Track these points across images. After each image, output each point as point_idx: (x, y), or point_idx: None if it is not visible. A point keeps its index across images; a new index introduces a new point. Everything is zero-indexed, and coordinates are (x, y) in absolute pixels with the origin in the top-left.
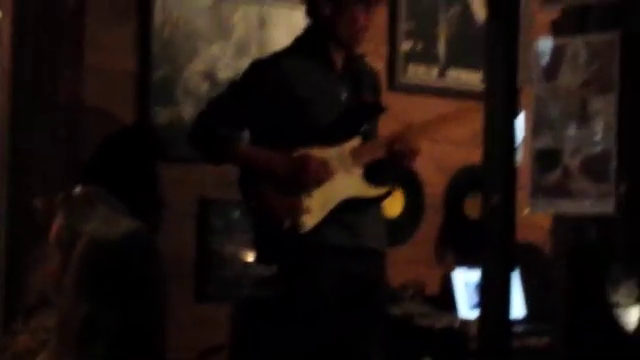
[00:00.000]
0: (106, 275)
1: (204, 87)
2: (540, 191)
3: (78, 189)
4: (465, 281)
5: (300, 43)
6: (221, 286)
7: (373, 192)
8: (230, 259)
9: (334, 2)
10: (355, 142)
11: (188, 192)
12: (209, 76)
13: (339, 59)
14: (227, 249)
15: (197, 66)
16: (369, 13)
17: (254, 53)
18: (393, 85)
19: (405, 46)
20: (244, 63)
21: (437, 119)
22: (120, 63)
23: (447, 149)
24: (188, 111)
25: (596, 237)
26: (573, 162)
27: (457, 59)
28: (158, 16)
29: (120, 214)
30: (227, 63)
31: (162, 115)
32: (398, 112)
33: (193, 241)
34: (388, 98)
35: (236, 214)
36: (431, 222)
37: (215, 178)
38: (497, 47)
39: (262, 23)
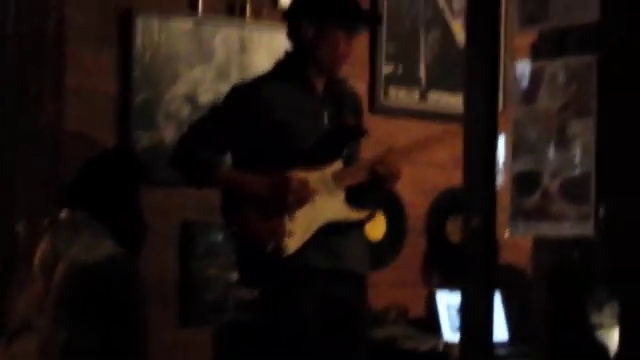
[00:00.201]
0: (86, 299)
1: (185, 111)
2: (519, 214)
3: (63, 214)
4: (448, 303)
5: (281, 67)
6: (204, 310)
7: (355, 215)
8: (213, 282)
9: (316, 26)
10: (337, 165)
11: (170, 216)
12: (190, 100)
13: (320, 83)
14: (210, 272)
15: (178, 89)
16: (351, 39)
17: (235, 77)
18: (374, 108)
19: (386, 69)
20: (225, 87)
21: (419, 142)
22: (101, 87)
23: (429, 172)
24: (169, 134)
25: (576, 259)
26: (552, 185)
27: (438, 82)
28: (139, 40)
29: (102, 238)
30: (208, 87)
31: (143, 139)
32: (379, 135)
33: (176, 265)
34: (369, 121)
35: (219, 237)
36: (413, 245)
37: (197, 201)
38: (476, 71)
39: (243, 47)
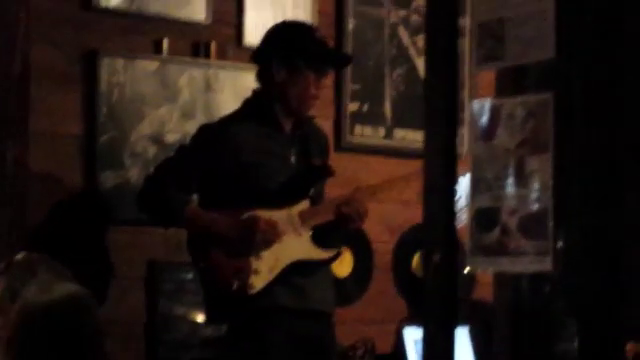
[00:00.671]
0: (38, 339)
1: (151, 150)
2: (479, 250)
3: (19, 256)
4: (416, 339)
5: (249, 106)
6: (171, 348)
7: (322, 255)
8: (180, 321)
9: (287, 69)
10: (304, 205)
11: (137, 255)
12: (156, 139)
13: (288, 122)
14: (177, 311)
15: (144, 130)
16: (320, 80)
17: (200, 116)
18: (340, 146)
19: (351, 107)
20: (191, 126)
21: (385, 182)
22: (66, 128)
23: (395, 209)
24: (135, 174)
25: (535, 294)
26: (511, 221)
27: (403, 119)
28: (104, 80)
29: (61, 279)
30: (174, 126)
31: (109, 179)
32: (345, 172)
33: (143, 304)
34: (335, 159)
35: (185, 276)
36: (380, 281)
37: (163, 241)
38: (435, 108)
39: (208, 86)
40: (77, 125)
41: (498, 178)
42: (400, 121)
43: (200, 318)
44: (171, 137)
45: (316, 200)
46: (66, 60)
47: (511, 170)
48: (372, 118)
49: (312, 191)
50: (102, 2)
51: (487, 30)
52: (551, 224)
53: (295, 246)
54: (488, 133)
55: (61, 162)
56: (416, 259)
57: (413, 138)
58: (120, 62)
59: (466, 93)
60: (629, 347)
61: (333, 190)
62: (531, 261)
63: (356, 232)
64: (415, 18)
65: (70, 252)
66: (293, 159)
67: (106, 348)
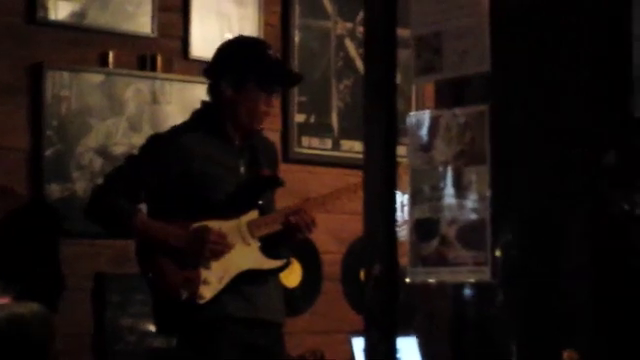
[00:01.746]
0: None
1: (98, 163)
2: (419, 260)
3: None
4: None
5: (198, 118)
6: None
7: (270, 264)
8: (127, 332)
9: (236, 87)
10: (252, 215)
11: (84, 267)
12: (102, 152)
13: (237, 134)
14: (125, 322)
15: (90, 142)
16: (270, 99)
17: (147, 129)
18: (288, 157)
19: (298, 118)
20: (137, 138)
21: (333, 193)
22: (12, 140)
23: (343, 219)
24: (82, 187)
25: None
26: (450, 231)
27: (350, 130)
28: (49, 93)
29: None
30: (120, 139)
31: (56, 192)
32: (293, 183)
33: (90, 316)
34: (283, 170)
35: (132, 288)
36: (329, 291)
37: (110, 253)
38: (374, 119)
39: (154, 99)
40: (23, 138)
41: (436, 189)
42: (347, 132)
43: (148, 329)
44: (118, 149)
45: (267, 210)
46: (11, 73)
47: (449, 181)
48: (319, 129)
49: (261, 201)
50: (47, 15)
51: (425, 42)
52: (489, 234)
53: (244, 256)
54: (426, 144)
55: (7, 175)
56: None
57: (360, 149)
58: (66, 75)
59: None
60: (566, 355)
61: (282, 201)
62: (470, 271)
63: (305, 243)
64: (361, 30)
65: (18, 265)
66: (242, 169)
67: None
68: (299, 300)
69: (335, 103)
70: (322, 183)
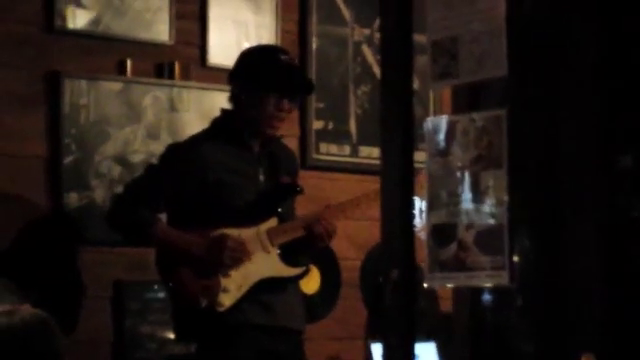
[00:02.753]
0: None
1: (116, 171)
2: (436, 265)
3: None
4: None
5: (217, 126)
6: None
7: (290, 272)
8: (147, 340)
9: (248, 92)
10: (272, 222)
11: (103, 275)
12: (121, 160)
13: (255, 142)
14: (144, 330)
15: (109, 150)
16: (283, 104)
17: (165, 136)
18: (306, 164)
19: (317, 125)
20: (155, 146)
21: (353, 200)
22: (30, 149)
23: (362, 225)
24: (101, 195)
25: (493, 309)
26: (467, 236)
27: (368, 136)
28: (67, 101)
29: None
30: (138, 147)
31: (74, 200)
32: (311, 190)
33: (109, 324)
34: (301, 176)
35: (151, 295)
36: (349, 297)
37: (129, 261)
38: (391, 125)
39: (172, 107)
40: (41, 146)
41: (454, 194)
42: (365, 138)
43: (167, 336)
44: (136, 157)
45: (286, 218)
46: (29, 82)
47: (467, 186)
48: (337, 136)
49: (281, 209)
50: (64, 24)
51: (442, 48)
52: (507, 239)
53: (263, 264)
54: (443, 150)
55: (26, 183)
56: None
57: (378, 155)
58: (83, 83)
59: (431, 110)
60: (583, 358)
61: (300, 208)
62: (488, 276)
63: (324, 249)
64: (379, 36)
65: (37, 274)
66: (261, 177)
67: None
68: (318, 306)
69: (353, 109)
70: (340, 190)
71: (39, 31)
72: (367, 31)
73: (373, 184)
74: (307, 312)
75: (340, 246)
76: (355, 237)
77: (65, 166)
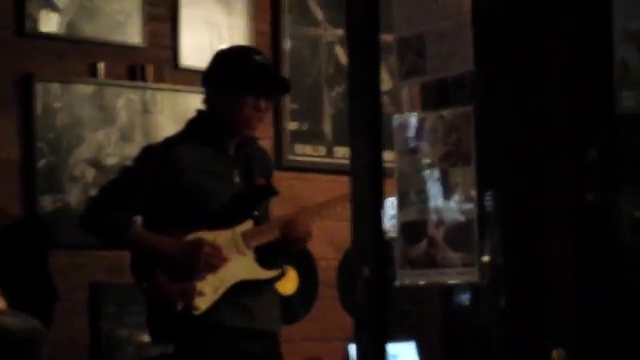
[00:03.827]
0: None
1: (90, 174)
2: (407, 262)
3: None
4: None
5: (192, 127)
6: None
7: (266, 274)
8: (125, 343)
9: (223, 93)
10: (247, 225)
11: (79, 279)
12: (95, 163)
13: (231, 143)
14: (121, 333)
15: (82, 153)
16: (260, 105)
17: (139, 139)
18: (281, 164)
19: (291, 126)
20: (129, 149)
21: (328, 201)
22: (3, 152)
23: (338, 225)
24: (75, 198)
25: (463, 305)
26: (437, 233)
27: (343, 137)
28: (40, 104)
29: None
30: (112, 150)
31: (48, 203)
32: (287, 191)
33: (86, 328)
34: (276, 177)
35: (127, 298)
36: (326, 298)
37: (104, 264)
38: (360, 124)
39: (145, 109)
40: (14, 150)
41: (423, 191)
42: (340, 139)
43: (145, 339)
44: (110, 160)
45: (261, 220)
46: (1, 85)
47: (436, 183)
48: (312, 137)
49: (256, 211)
50: (36, 27)
51: (409, 45)
52: (476, 235)
53: (239, 266)
54: (412, 147)
55: None
56: None
57: None
58: (56, 86)
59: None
60: (554, 354)
61: (275, 208)
62: (458, 273)
63: (300, 251)
64: None
65: (12, 278)
66: (236, 179)
67: None
68: (296, 307)
69: (327, 110)
70: (316, 190)
71: (11, 34)
72: (340, 31)
73: (349, 184)
74: (285, 313)
75: (318, 246)
76: (332, 237)
77: (39, 169)
